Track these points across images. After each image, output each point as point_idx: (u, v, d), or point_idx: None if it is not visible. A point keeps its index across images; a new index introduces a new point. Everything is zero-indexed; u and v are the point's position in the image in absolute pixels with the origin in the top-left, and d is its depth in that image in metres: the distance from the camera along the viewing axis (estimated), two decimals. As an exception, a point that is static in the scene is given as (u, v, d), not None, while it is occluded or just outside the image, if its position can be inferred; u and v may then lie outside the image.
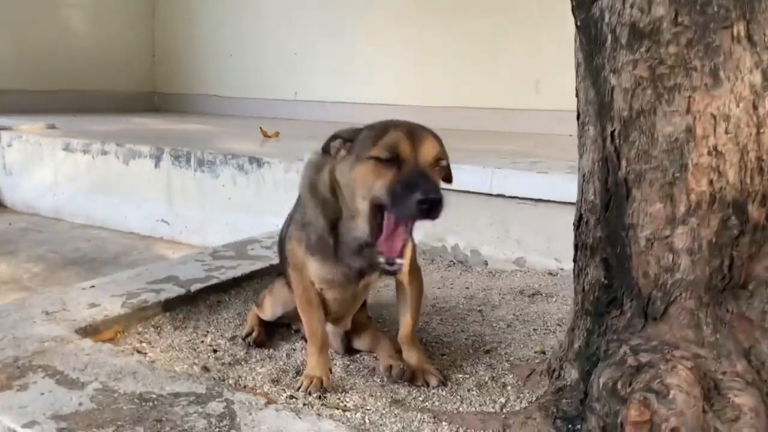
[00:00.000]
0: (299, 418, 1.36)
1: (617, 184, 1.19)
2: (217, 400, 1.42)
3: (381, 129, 1.38)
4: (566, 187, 2.53)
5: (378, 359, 1.75)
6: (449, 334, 2.02)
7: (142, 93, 7.68)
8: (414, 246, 1.66)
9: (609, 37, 1.12)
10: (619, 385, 1.16)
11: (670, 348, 1.13)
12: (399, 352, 1.72)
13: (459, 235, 2.80)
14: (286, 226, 1.72)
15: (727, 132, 1.05)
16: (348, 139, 1.44)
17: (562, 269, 2.62)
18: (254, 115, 6.69)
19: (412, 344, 1.70)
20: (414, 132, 1.35)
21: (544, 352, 1.86)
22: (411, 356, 1.69)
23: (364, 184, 1.37)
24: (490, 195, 2.66)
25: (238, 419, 1.35)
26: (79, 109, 6.55)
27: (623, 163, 1.16)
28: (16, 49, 6.42)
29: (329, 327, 1.77)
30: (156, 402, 1.40)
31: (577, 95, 1.33)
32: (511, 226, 2.69)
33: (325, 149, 1.49)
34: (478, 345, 1.93)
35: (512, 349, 1.90)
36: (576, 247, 1.40)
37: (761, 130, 1.05)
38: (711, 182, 1.08)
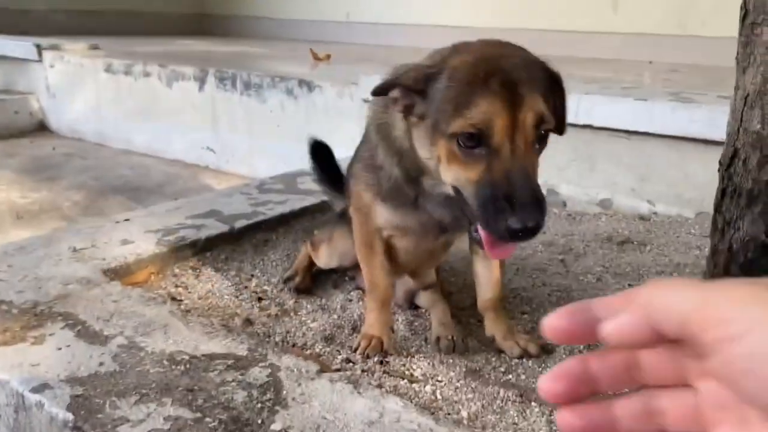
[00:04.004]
0: (358, 393, 1.11)
1: (810, 108, 0.85)
2: (260, 365, 1.19)
3: (465, 88, 0.97)
4: (668, 117, 2.16)
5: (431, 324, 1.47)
6: (528, 288, 1.73)
7: (189, 14, 7.38)
8: None
9: None
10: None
11: None
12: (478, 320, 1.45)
13: (534, 171, 2.47)
14: (350, 160, 1.41)
15: None
16: (416, 90, 1.04)
17: (655, 213, 2.28)
18: (305, 38, 6.33)
19: (498, 312, 1.39)
20: (512, 95, 0.95)
21: (645, 315, 1.56)
22: (498, 328, 1.38)
23: (448, 172, 1.02)
24: (575, 125, 2.30)
25: (284, 392, 1.11)
26: (124, 30, 6.32)
27: (826, 77, 0.82)
28: (59, -34, 6.17)
29: (400, 279, 1.51)
30: (188, 365, 1.18)
31: (744, -15, 0.97)
32: (597, 162, 2.34)
33: (377, 93, 1.09)
34: (564, 301, 1.61)
35: (606, 308, 1.60)
36: (722, 192, 1.07)
37: None
38: None
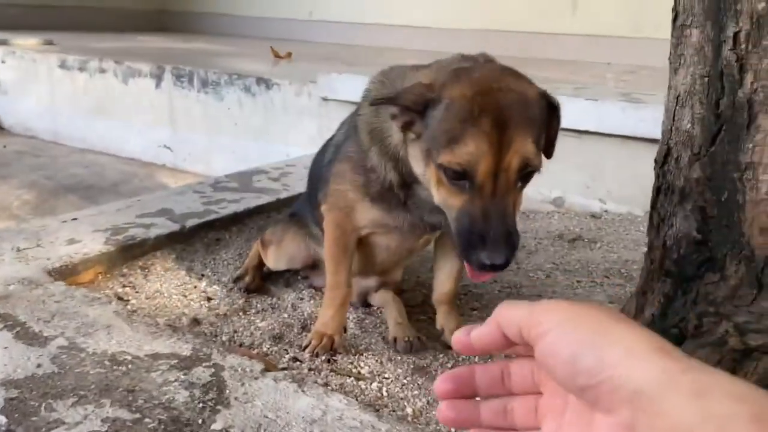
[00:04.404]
0: (302, 391, 1.10)
1: (734, 108, 0.88)
2: (203, 364, 1.17)
3: (457, 124, 0.99)
4: (618, 117, 2.20)
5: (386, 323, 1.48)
6: (479, 284, 1.74)
7: (149, 10, 7.26)
8: None
9: None
10: (716, 374, 0.89)
11: (795, 330, 0.85)
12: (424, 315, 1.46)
13: (489, 170, 2.49)
14: (328, 158, 1.38)
15: None
16: (415, 110, 1.05)
17: (606, 211, 2.33)
18: (268, 36, 6.28)
19: (451, 306, 1.45)
20: (501, 136, 0.96)
21: (592, 310, 1.59)
22: (448, 322, 1.42)
23: (437, 194, 1.06)
24: (528, 125, 2.33)
25: (227, 391, 1.10)
26: (82, 26, 6.18)
27: (748, 77, 0.85)
28: (13, -41, 6.00)
29: (362, 279, 1.51)
30: (130, 366, 1.16)
31: (675, -12, 1.00)
32: (549, 161, 2.37)
33: (375, 104, 1.15)
34: (514, 297, 1.66)
35: (554, 304, 1.62)
36: (657, 190, 1.10)
37: None
38: None
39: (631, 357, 0.46)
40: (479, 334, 0.57)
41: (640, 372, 0.45)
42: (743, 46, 0.84)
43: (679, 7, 0.98)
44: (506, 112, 0.97)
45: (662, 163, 1.06)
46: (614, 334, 0.48)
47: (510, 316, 0.55)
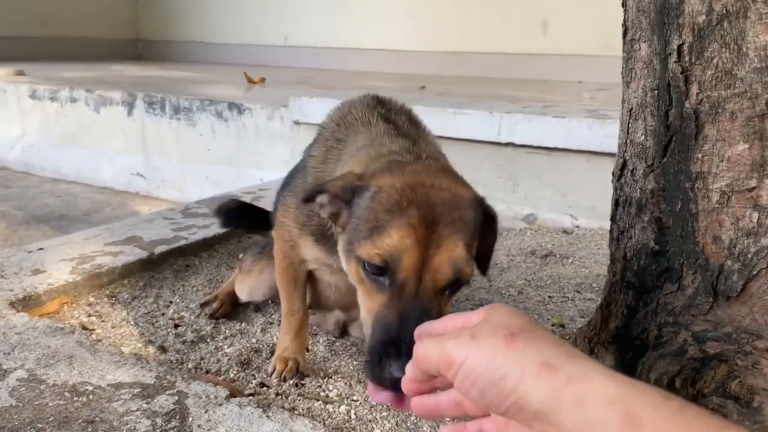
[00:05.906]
0: (266, 416, 1.09)
1: (682, 119, 0.89)
2: (167, 392, 1.15)
3: (382, 214, 0.88)
4: (585, 133, 2.23)
5: None
6: (451, 303, 1.74)
7: (124, 40, 7.26)
8: None
9: None
10: (677, 383, 0.89)
11: (750, 337, 0.85)
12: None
13: (462, 189, 2.50)
14: (285, 187, 1.34)
15: None
16: (343, 199, 0.96)
17: (578, 227, 2.34)
18: (242, 63, 6.31)
19: None
20: (430, 233, 0.85)
21: (563, 325, 1.60)
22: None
23: (359, 295, 0.95)
24: (498, 144, 2.35)
25: (190, 419, 1.08)
26: (54, 56, 6.16)
27: (693, 89, 0.86)
28: (-15, -9, 5.99)
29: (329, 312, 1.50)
30: (91, 396, 1.13)
31: (624, 4, 1.02)
32: (520, 179, 2.39)
33: (306, 200, 1.02)
34: (485, 316, 1.65)
35: (525, 320, 1.62)
36: (616, 203, 1.11)
37: None
38: (821, 113, 0.78)
39: (523, 382, 0.54)
40: (408, 377, 0.67)
41: (533, 394, 0.53)
42: (687, 58, 0.86)
43: (627, 22, 1.00)
44: (437, 209, 0.86)
45: (619, 175, 1.08)
46: (506, 364, 0.55)
47: (424, 355, 0.62)
